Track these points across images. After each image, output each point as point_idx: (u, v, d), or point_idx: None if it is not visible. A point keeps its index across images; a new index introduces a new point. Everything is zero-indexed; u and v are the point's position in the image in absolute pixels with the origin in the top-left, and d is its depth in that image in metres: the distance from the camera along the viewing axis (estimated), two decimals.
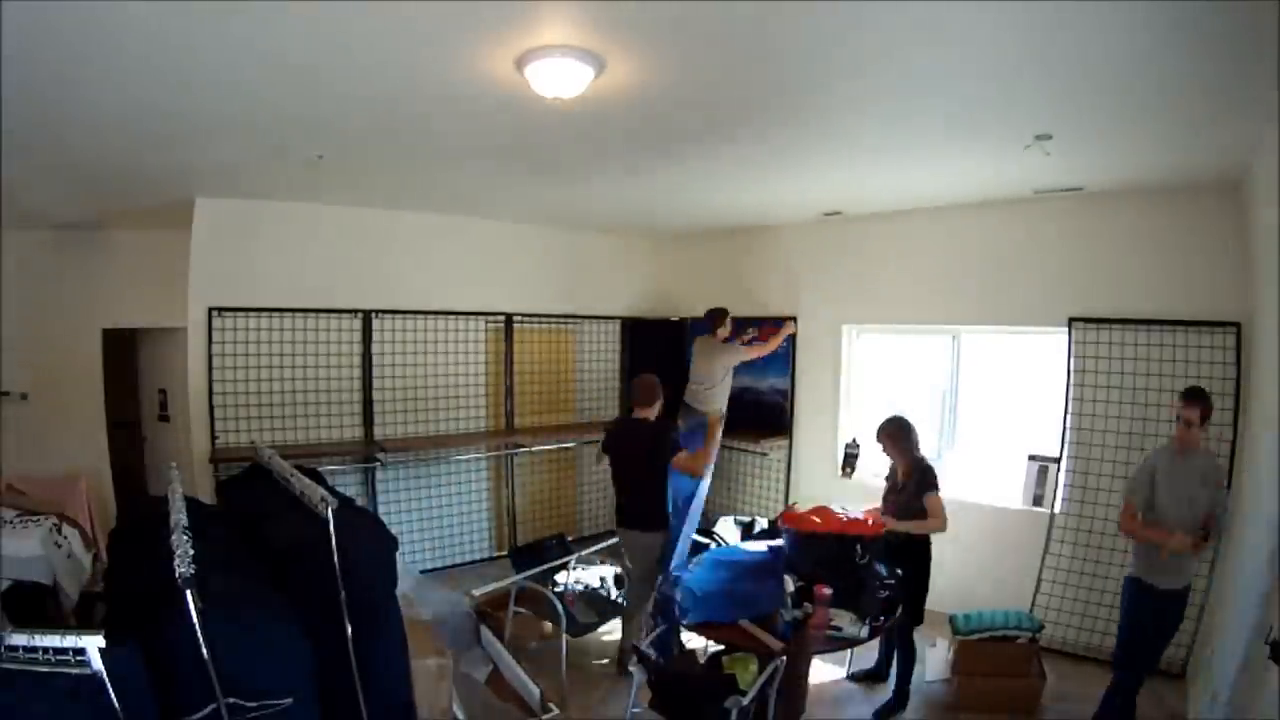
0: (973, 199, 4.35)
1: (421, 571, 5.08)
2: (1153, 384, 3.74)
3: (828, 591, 2.87)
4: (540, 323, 5.82)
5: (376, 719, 2.36)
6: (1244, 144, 2.89)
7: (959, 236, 4.58)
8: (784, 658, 2.59)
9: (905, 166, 3.63)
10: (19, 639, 1.56)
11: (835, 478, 5.14)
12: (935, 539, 4.44)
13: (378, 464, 4.89)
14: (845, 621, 2.89)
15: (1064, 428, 4.00)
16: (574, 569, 4.06)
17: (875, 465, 5.15)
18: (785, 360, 5.56)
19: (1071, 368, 3.97)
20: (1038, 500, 4.22)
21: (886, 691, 3.56)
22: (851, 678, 3.66)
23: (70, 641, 1.56)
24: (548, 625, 3.78)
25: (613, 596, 4.32)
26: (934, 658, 3.80)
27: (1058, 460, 4.04)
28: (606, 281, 6.30)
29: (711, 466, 3.93)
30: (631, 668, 2.69)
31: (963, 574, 4.43)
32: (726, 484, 6.04)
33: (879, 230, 4.97)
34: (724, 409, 4.74)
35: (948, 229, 4.62)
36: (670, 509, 3.64)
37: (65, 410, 5.24)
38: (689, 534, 3.76)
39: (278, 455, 3.31)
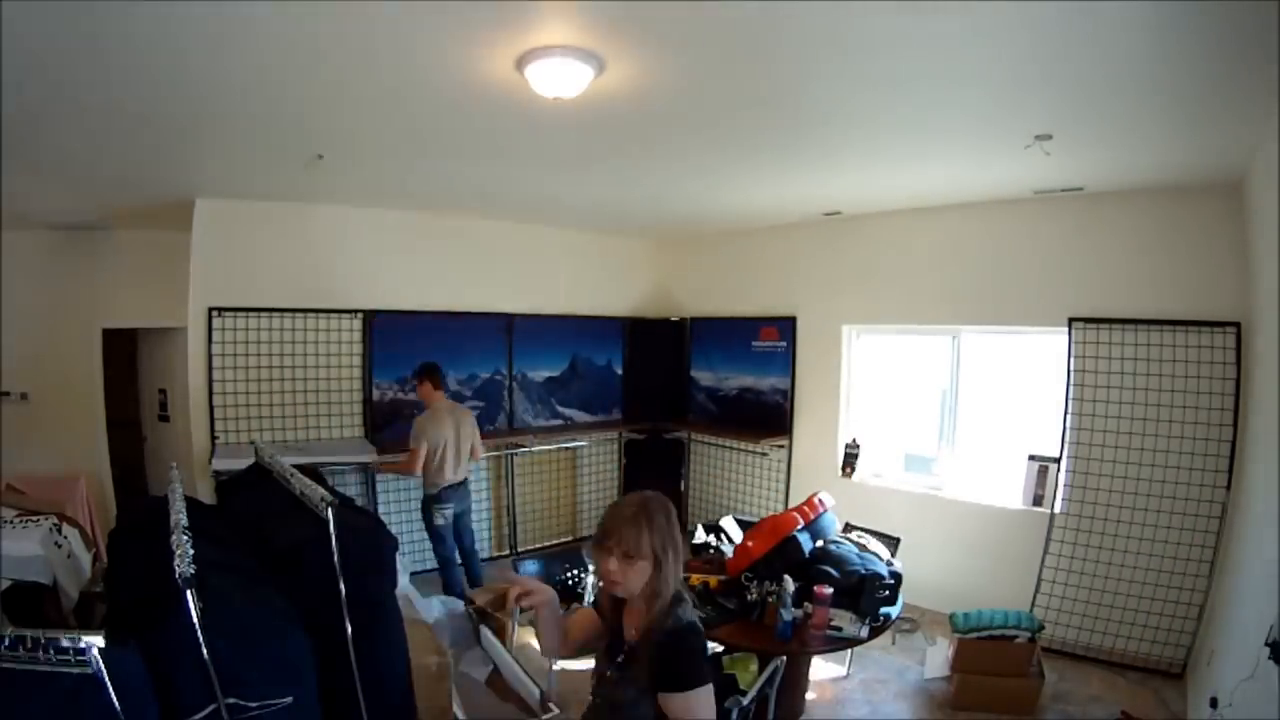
0: (973, 199, 4.35)
1: (422, 571, 5.09)
2: (1153, 384, 3.74)
3: (828, 591, 2.87)
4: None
5: (376, 719, 2.36)
6: (1244, 144, 2.89)
7: (959, 236, 4.57)
8: (784, 658, 2.59)
9: (905, 166, 3.63)
10: (19, 639, 1.56)
11: (835, 478, 5.14)
12: (934, 539, 4.47)
13: None
14: (845, 621, 2.89)
15: (1064, 428, 4.00)
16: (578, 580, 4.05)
17: (875, 465, 5.17)
18: (785, 360, 5.56)
19: (1071, 368, 3.97)
20: (1038, 500, 4.22)
21: (887, 691, 3.57)
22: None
23: (70, 641, 1.56)
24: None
25: None
26: (933, 656, 3.81)
27: (1058, 460, 4.04)
28: (607, 281, 6.31)
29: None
30: None
31: (963, 574, 4.44)
32: (726, 484, 6.04)
33: (879, 230, 4.97)
34: None
35: (948, 229, 4.61)
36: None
37: (65, 410, 5.24)
38: None
39: (278, 455, 3.31)
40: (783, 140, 3.21)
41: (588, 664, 2.07)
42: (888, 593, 3.04)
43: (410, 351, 5.08)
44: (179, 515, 2.20)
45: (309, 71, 2.35)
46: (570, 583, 3.94)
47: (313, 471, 3.08)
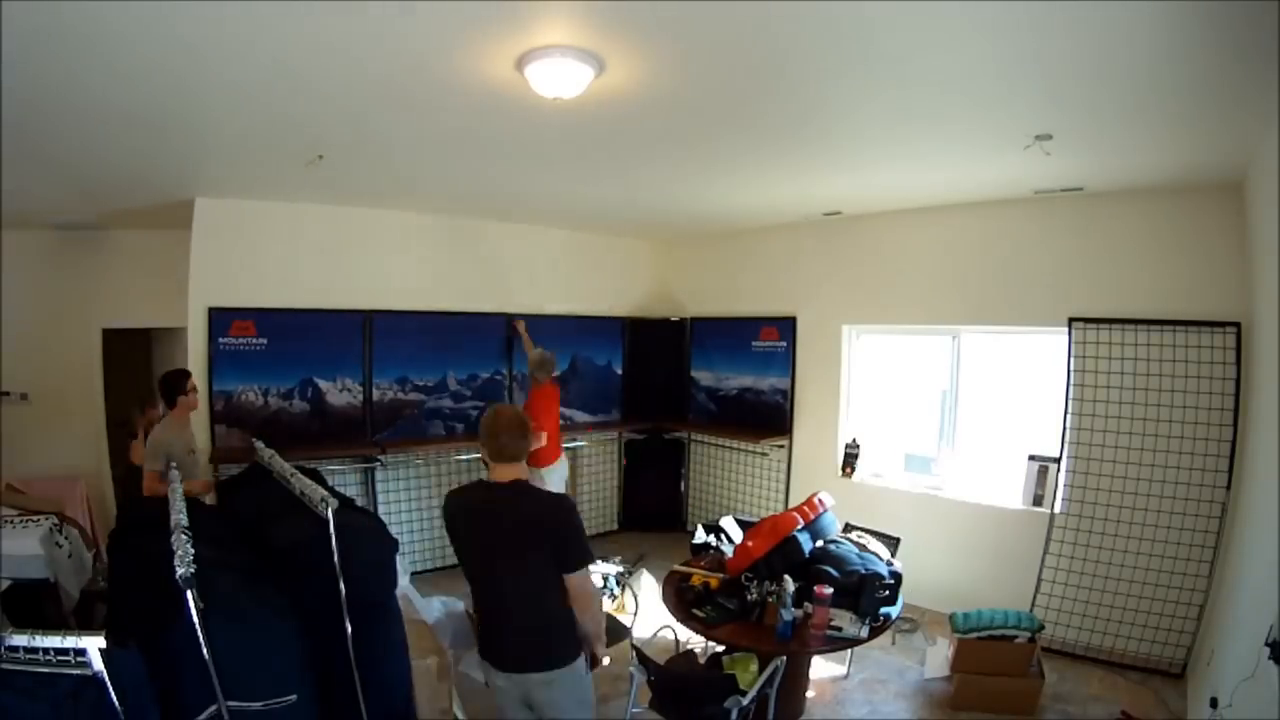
0: (973, 199, 4.35)
1: (422, 571, 5.09)
2: (1153, 384, 3.74)
3: (828, 591, 2.87)
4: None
5: (376, 719, 2.36)
6: (1244, 144, 2.88)
7: (959, 236, 4.57)
8: (784, 657, 2.59)
9: (905, 166, 3.63)
10: (19, 639, 1.56)
11: (835, 478, 5.14)
12: (934, 539, 4.47)
13: (378, 464, 4.89)
14: (845, 621, 2.89)
15: (1064, 428, 4.00)
16: None
17: (875, 465, 5.17)
18: (785, 360, 5.56)
19: (1071, 368, 3.97)
20: (1038, 500, 4.22)
21: (887, 691, 3.57)
22: None
23: (71, 642, 1.56)
24: None
25: (614, 593, 4.33)
26: (933, 656, 3.81)
27: (1058, 460, 4.04)
28: (607, 281, 6.31)
29: None
30: (631, 668, 2.69)
31: (963, 574, 4.44)
32: (726, 484, 6.04)
33: (879, 230, 4.97)
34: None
35: (948, 229, 4.61)
36: None
37: (65, 410, 5.24)
38: None
39: (278, 455, 3.31)
40: (783, 140, 3.21)
41: None
42: (888, 593, 3.04)
43: (410, 351, 5.10)
44: (179, 515, 2.20)
45: (309, 71, 2.35)
46: None
47: (313, 472, 3.08)
